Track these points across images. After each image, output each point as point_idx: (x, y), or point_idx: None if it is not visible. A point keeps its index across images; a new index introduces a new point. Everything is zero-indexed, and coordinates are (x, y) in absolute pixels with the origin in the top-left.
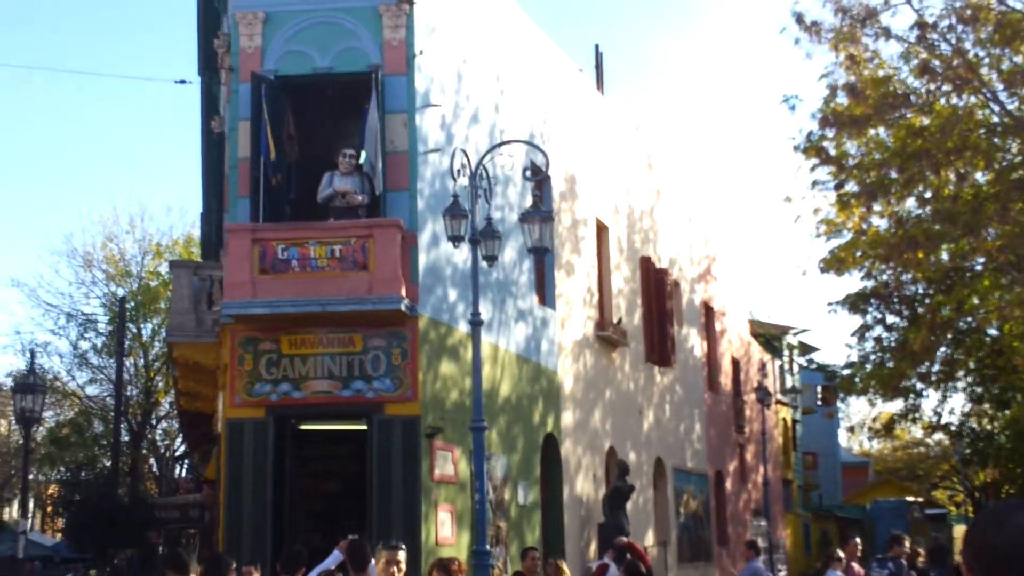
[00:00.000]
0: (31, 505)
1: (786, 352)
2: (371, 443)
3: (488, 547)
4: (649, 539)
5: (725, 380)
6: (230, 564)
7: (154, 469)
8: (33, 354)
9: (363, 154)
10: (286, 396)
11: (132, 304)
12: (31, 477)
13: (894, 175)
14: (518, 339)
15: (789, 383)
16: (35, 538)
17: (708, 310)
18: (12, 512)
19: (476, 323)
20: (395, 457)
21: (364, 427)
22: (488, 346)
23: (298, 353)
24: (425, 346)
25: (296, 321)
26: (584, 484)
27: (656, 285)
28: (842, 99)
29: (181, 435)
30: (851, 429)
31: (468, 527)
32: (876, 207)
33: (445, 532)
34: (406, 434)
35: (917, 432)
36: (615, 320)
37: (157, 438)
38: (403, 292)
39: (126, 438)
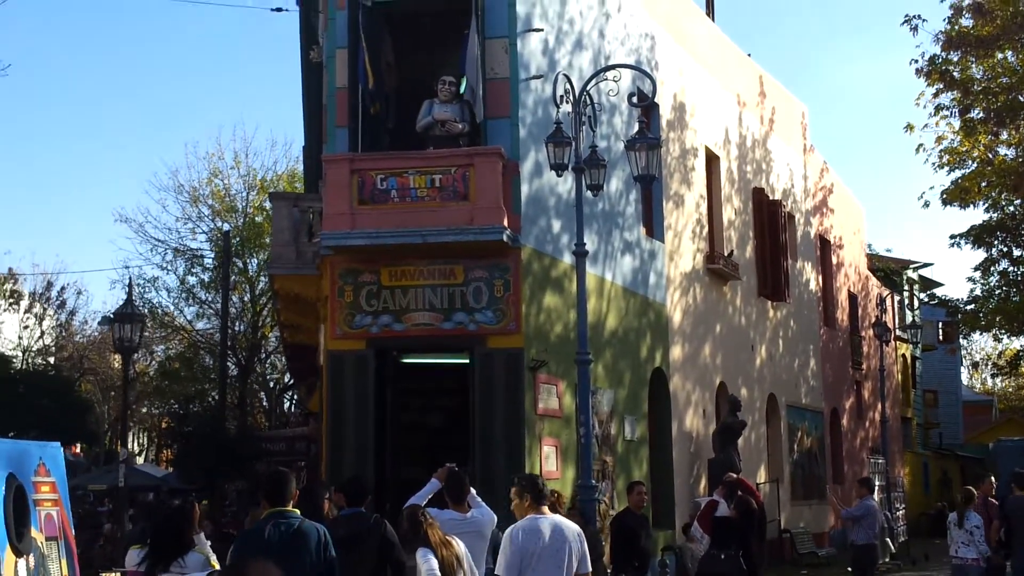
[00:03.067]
0: (143, 438)
1: (906, 287)
2: (473, 376)
3: (593, 481)
4: (761, 476)
5: (841, 315)
6: (325, 493)
7: (263, 403)
8: (131, 285)
9: (463, 81)
10: (387, 328)
11: (237, 239)
12: (143, 410)
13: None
14: (624, 271)
15: (909, 319)
16: (146, 469)
17: (824, 243)
18: (136, 443)
19: (580, 254)
20: (498, 390)
21: (466, 360)
22: (593, 278)
23: (398, 285)
24: (528, 278)
25: (396, 252)
26: (693, 419)
27: (769, 217)
28: (967, 20)
29: (287, 368)
30: (974, 366)
31: (573, 461)
32: (1003, 135)
33: (550, 466)
34: (509, 367)
35: None
36: (726, 253)
37: (265, 371)
38: (505, 222)
39: (234, 372)
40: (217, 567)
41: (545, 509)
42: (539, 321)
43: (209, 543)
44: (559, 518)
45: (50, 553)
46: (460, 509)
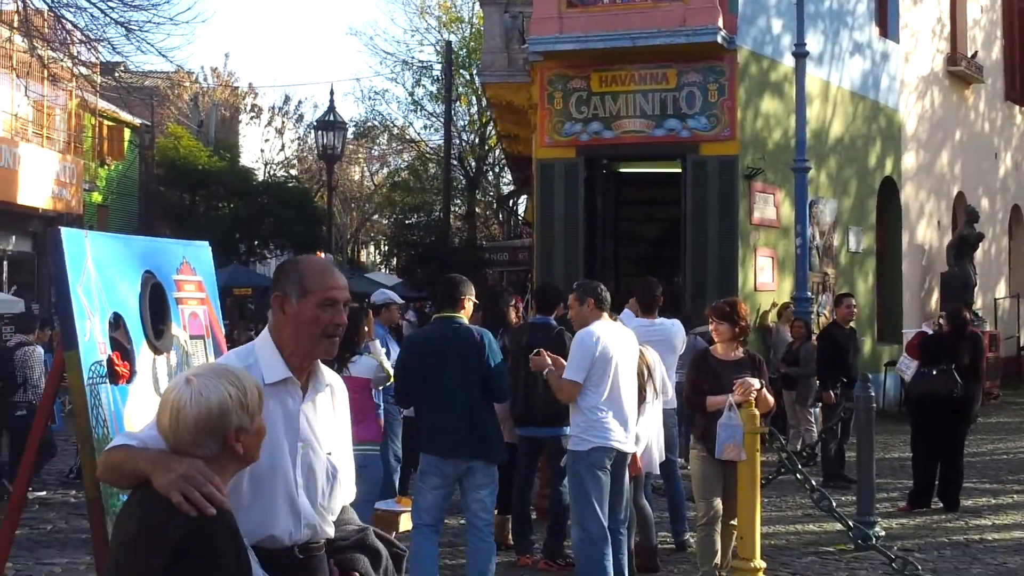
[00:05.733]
0: (382, 248)
1: None
2: (685, 184)
3: (810, 294)
4: (1000, 291)
5: None
6: (510, 300)
7: (497, 215)
8: (332, 92)
9: None
10: (596, 136)
11: (464, 50)
12: (375, 217)
13: None
14: (853, 74)
15: None
16: (378, 278)
17: None
18: (368, 254)
19: (801, 55)
20: (711, 199)
21: (679, 169)
22: (817, 82)
23: (609, 91)
24: (745, 81)
25: (606, 57)
26: (927, 231)
27: (1020, 14)
28: None
29: (512, 179)
30: None
31: (790, 273)
32: None
33: (764, 277)
34: (723, 175)
35: None
36: (969, 54)
37: (499, 183)
38: (720, 22)
39: (463, 183)
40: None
41: (608, 316)
42: (756, 127)
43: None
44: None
45: (195, 351)
46: (650, 317)
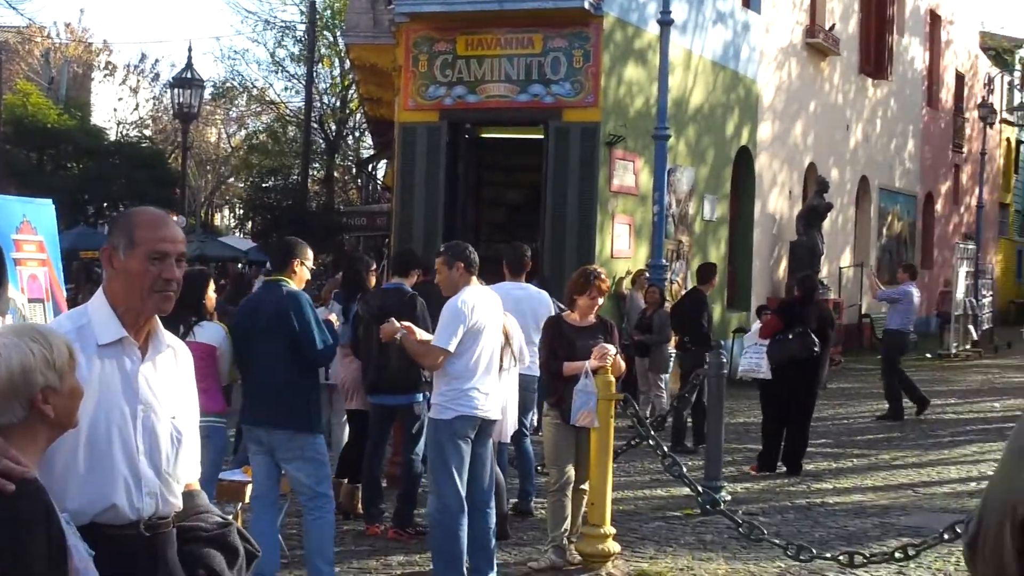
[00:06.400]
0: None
1: (1017, 67)
2: (547, 150)
3: (665, 261)
4: (846, 260)
5: (946, 95)
6: (368, 265)
7: (356, 180)
8: (190, 50)
9: None
10: (460, 100)
11: (328, 11)
12: (230, 180)
13: None
14: (715, 44)
15: (1017, 100)
16: (232, 241)
17: (934, 18)
18: (223, 218)
19: (666, 22)
20: (572, 166)
21: (542, 135)
22: (680, 50)
23: (474, 55)
24: (609, 47)
25: (473, 20)
26: (778, 201)
27: None
28: None
29: (373, 143)
30: None
31: (647, 240)
32: None
33: (621, 244)
34: (585, 142)
35: None
36: (827, 26)
37: (359, 148)
38: None
39: (322, 147)
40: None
41: (477, 280)
42: (619, 94)
43: None
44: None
45: (33, 316)
46: (518, 280)
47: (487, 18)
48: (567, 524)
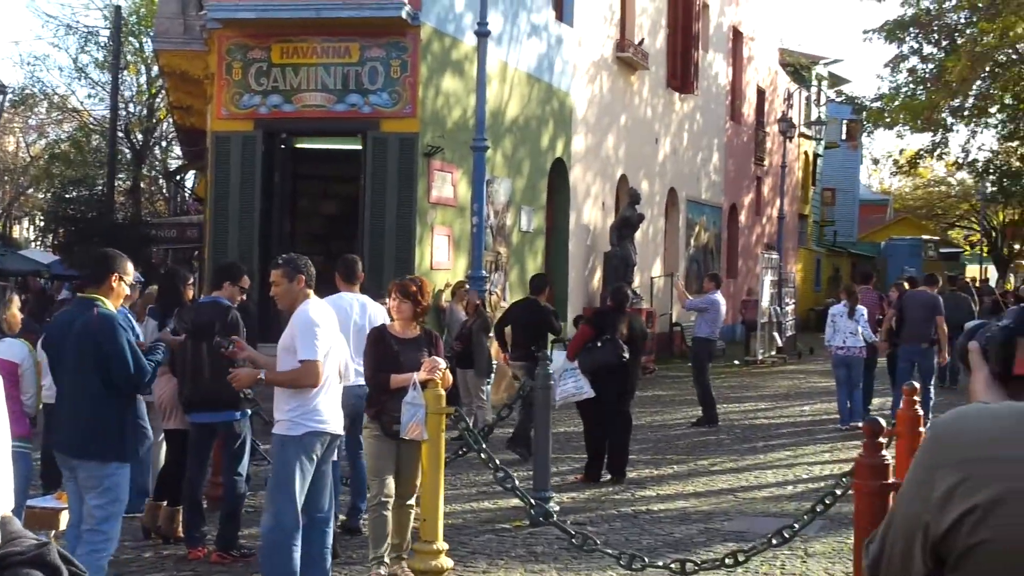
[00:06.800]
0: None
1: (815, 83)
2: (365, 161)
3: (485, 272)
4: (656, 270)
5: (748, 110)
6: (187, 278)
7: (164, 190)
8: None
9: None
10: (276, 109)
11: (134, 16)
12: (30, 191)
13: None
14: (529, 57)
15: (815, 115)
16: (33, 255)
17: (736, 35)
18: (22, 230)
19: (483, 34)
20: (390, 176)
21: (360, 146)
22: (496, 63)
23: (290, 63)
24: (427, 58)
25: (288, 27)
26: (592, 212)
27: (683, 5)
28: None
29: (182, 153)
30: (875, 161)
31: (466, 251)
32: None
33: (441, 256)
34: (403, 152)
35: (940, 170)
36: (637, 41)
37: (166, 158)
38: None
39: (128, 157)
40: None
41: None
42: (436, 105)
43: None
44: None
45: None
46: (352, 291)
47: (303, 26)
48: (389, 540)
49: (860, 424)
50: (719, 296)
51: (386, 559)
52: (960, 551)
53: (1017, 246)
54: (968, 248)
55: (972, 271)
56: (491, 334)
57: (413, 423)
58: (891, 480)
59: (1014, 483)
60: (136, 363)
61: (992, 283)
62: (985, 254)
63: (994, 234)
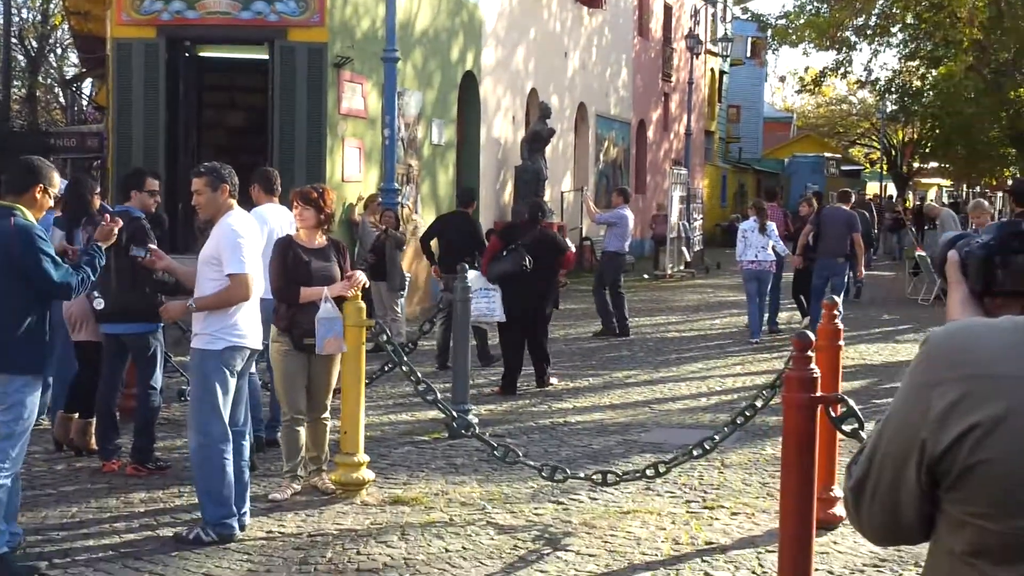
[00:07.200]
0: None
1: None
2: (273, 71)
3: (397, 185)
4: (567, 184)
5: (656, 26)
6: (94, 187)
7: (60, 99)
8: None
9: None
10: (179, 15)
11: None
12: None
13: None
14: None
15: (720, 32)
16: None
17: None
18: None
19: None
20: (299, 88)
21: (267, 56)
22: None
23: None
24: None
25: None
26: (503, 126)
27: None
28: None
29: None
30: (782, 79)
31: (377, 164)
32: None
33: (352, 168)
34: (311, 63)
35: (842, 89)
36: None
37: (63, 65)
38: None
39: (22, 64)
40: None
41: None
42: (345, 15)
43: None
44: None
45: None
46: (272, 201)
47: None
48: (304, 453)
49: (773, 333)
50: (627, 211)
51: (300, 472)
52: (959, 470)
53: (916, 164)
54: (868, 166)
55: (872, 188)
56: (404, 248)
57: (329, 338)
58: (819, 393)
59: (1016, 400)
60: (60, 272)
61: (893, 200)
62: (885, 172)
63: (894, 152)
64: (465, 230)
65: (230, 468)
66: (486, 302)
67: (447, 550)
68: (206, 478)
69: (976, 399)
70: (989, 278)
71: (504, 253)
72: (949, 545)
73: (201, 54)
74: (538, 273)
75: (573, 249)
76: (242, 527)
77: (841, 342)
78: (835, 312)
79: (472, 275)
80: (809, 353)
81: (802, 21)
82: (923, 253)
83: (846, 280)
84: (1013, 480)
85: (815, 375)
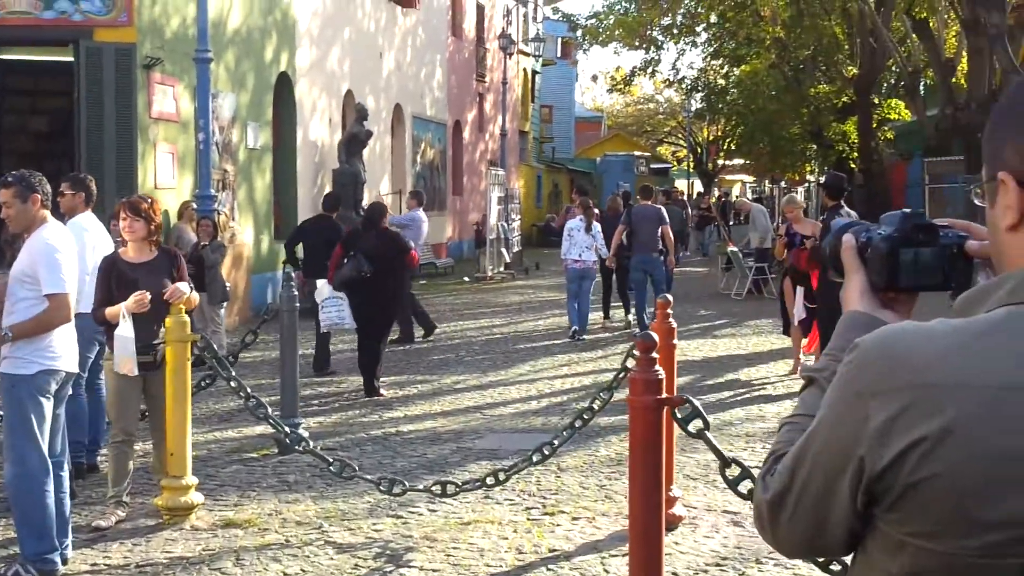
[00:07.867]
0: None
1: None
2: (78, 74)
3: (213, 191)
4: (385, 187)
5: (469, 26)
6: None
7: None
8: None
9: None
10: None
11: None
12: None
13: None
14: None
15: (533, 32)
16: None
17: None
18: None
19: None
20: (107, 90)
21: (71, 57)
22: None
23: None
24: None
25: None
26: (320, 128)
27: None
28: None
29: None
30: (594, 79)
31: (191, 170)
32: None
33: (165, 175)
34: (120, 64)
35: (649, 88)
36: None
37: None
38: None
39: None
40: None
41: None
42: (154, 14)
43: None
44: None
45: None
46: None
47: None
48: (130, 478)
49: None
50: (421, 213)
51: (125, 498)
52: (901, 488)
53: (721, 161)
54: (676, 163)
55: (680, 185)
56: (223, 257)
57: (124, 357)
58: (664, 395)
59: (961, 410)
60: None
61: (699, 197)
62: (691, 169)
63: (699, 150)
64: (329, 236)
65: (50, 499)
66: (336, 311)
67: (285, 574)
68: (24, 511)
69: (919, 411)
70: (892, 274)
71: (345, 260)
72: (883, 567)
73: (1, 56)
74: (384, 275)
75: (415, 248)
76: (64, 561)
77: (675, 340)
78: (668, 311)
79: (320, 284)
80: (654, 355)
81: (611, 21)
82: (735, 248)
83: (665, 271)
84: (961, 496)
85: (660, 377)
